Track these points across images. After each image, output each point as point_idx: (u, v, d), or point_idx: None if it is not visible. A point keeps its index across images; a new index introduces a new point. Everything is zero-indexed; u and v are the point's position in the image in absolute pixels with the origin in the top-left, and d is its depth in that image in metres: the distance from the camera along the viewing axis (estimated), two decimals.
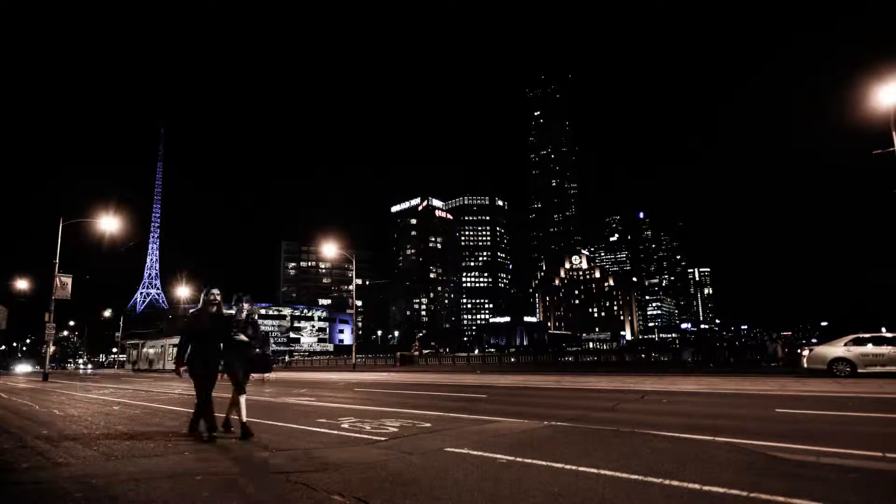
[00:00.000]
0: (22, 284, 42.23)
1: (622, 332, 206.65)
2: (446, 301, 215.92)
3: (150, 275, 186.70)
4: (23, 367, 59.78)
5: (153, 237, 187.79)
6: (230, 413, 7.12)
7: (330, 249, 56.22)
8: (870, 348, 15.68)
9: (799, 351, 24.63)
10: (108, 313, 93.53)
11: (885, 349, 15.40)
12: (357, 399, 13.05)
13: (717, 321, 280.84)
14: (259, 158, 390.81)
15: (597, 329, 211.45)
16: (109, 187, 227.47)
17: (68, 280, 28.57)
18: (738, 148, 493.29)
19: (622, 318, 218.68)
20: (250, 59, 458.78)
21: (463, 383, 18.46)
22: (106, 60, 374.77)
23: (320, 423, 8.19)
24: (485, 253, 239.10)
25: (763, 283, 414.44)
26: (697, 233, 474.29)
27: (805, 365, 16.87)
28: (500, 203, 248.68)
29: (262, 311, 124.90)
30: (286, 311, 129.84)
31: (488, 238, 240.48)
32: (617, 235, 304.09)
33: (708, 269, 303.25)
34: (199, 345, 6.50)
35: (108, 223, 30.25)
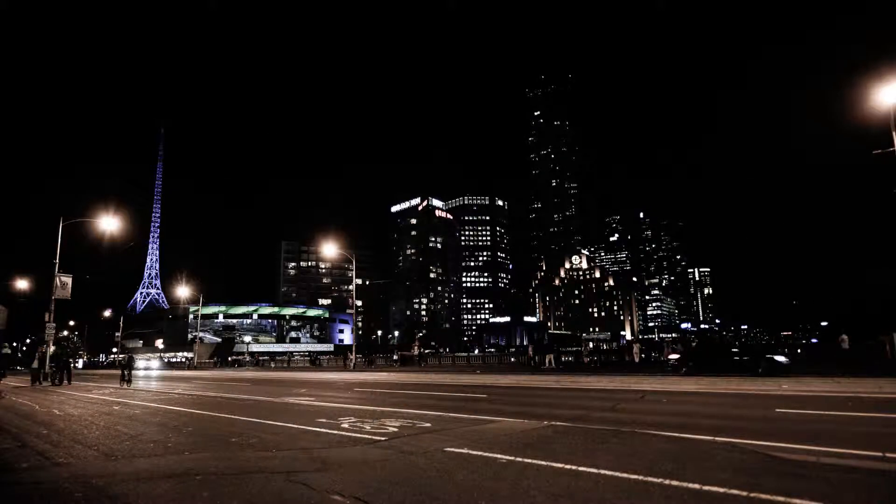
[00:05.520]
0: (22, 284, 42.11)
1: (622, 332, 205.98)
2: (446, 301, 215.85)
3: (150, 275, 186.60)
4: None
5: (153, 237, 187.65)
6: None
7: (330, 249, 56.28)
8: None
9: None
10: (108, 313, 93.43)
11: None
12: (357, 399, 13.04)
13: (717, 321, 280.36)
14: (259, 159, 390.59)
15: (597, 329, 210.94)
16: (109, 187, 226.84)
17: (68, 280, 28.50)
18: (737, 148, 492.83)
19: (622, 317, 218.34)
20: (250, 59, 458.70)
21: (463, 383, 18.45)
22: (106, 61, 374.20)
23: (320, 423, 8.19)
24: (485, 253, 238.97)
25: (763, 283, 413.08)
26: (697, 233, 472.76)
27: None
28: (500, 203, 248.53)
29: (263, 311, 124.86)
30: (286, 311, 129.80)
31: (488, 238, 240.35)
32: (617, 235, 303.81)
33: (708, 269, 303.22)
34: None
35: (108, 223, 30.11)
